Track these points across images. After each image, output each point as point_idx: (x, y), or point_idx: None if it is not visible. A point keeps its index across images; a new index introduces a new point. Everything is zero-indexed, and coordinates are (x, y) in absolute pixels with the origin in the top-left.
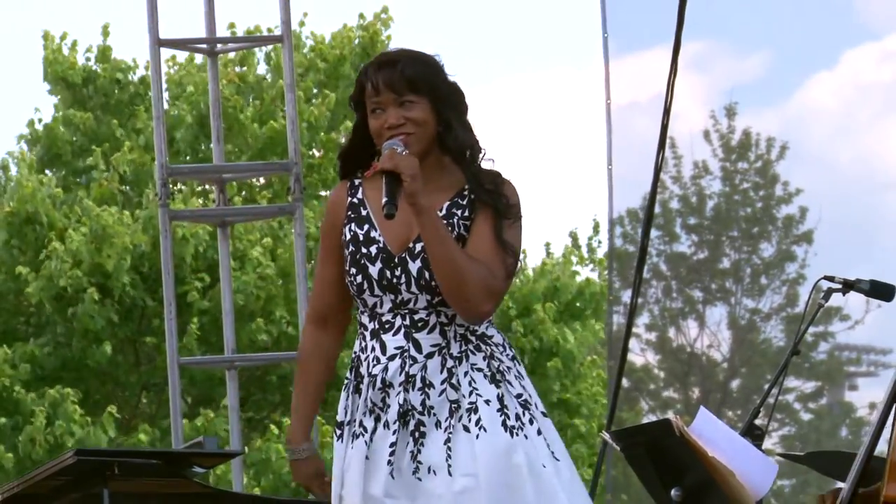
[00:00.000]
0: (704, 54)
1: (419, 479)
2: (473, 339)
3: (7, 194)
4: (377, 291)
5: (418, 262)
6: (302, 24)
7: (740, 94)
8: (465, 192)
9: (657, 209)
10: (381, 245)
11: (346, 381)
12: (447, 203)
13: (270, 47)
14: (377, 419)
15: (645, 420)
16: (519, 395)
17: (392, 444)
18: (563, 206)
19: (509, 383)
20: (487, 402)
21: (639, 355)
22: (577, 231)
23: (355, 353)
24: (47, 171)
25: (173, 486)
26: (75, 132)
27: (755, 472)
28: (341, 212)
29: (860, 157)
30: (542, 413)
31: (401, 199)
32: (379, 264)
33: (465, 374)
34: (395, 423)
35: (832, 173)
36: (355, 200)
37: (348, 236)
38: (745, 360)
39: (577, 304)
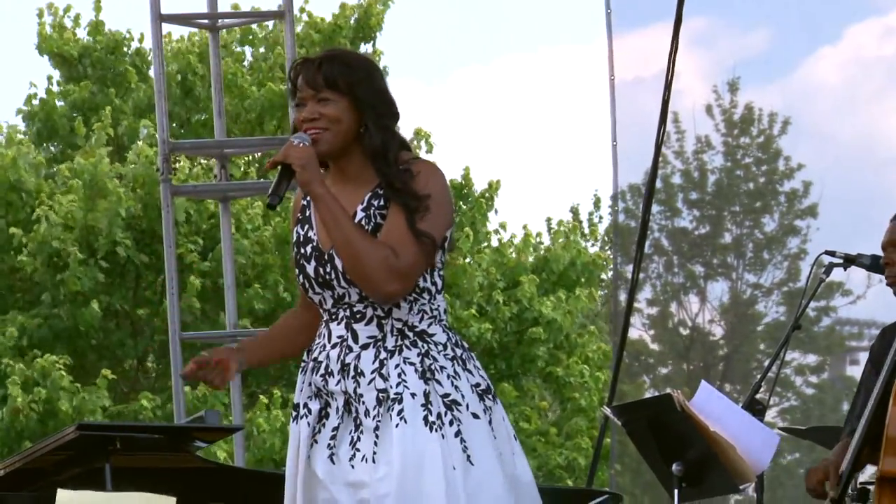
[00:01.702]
0: (707, 30)
1: (353, 467)
2: (411, 334)
3: None
4: (317, 289)
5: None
6: (303, 9)
7: (743, 69)
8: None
9: (659, 184)
10: (314, 244)
11: (302, 364)
12: (368, 195)
13: (269, 26)
14: (327, 404)
15: (646, 395)
16: (446, 395)
17: (334, 429)
18: (566, 181)
19: (439, 382)
20: (413, 395)
21: (640, 330)
22: (578, 206)
23: (316, 337)
24: (47, 146)
25: (176, 460)
26: (72, 106)
27: (756, 444)
28: (295, 215)
29: (862, 132)
30: (473, 414)
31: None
32: (313, 262)
33: (396, 366)
34: (340, 409)
35: (834, 148)
36: (304, 202)
37: (293, 238)
38: (746, 334)
39: (570, 275)
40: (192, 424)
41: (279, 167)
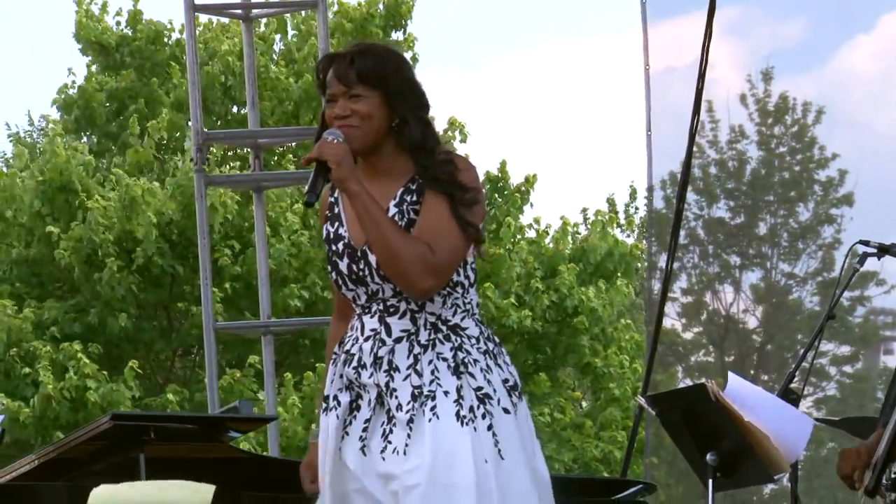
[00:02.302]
0: (742, 19)
1: (384, 459)
2: (444, 328)
3: (40, 161)
4: (350, 286)
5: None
6: None
7: (777, 58)
8: (415, 178)
9: (697, 173)
10: (346, 241)
11: (333, 356)
12: (400, 190)
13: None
14: (358, 396)
15: (680, 384)
16: (479, 389)
17: (366, 422)
18: (602, 172)
19: (472, 375)
20: (446, 393)
21: (675, 319)
22: (614, 196)
23: (348, 330)
24: (83, 136)
25: (209, 450)
26: (109, 96)
27: (790, 432)
28: (324, 212)
29: None
30: (504, 409)
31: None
32: (346, 259)
33: (430, 362)
34: (372, 402)
35: (869, 138)
36: (332, 199)
37: (324, 235)
38: (780, 324)
39: (607, 265)
40: (226, 415)
41: (314, 164)
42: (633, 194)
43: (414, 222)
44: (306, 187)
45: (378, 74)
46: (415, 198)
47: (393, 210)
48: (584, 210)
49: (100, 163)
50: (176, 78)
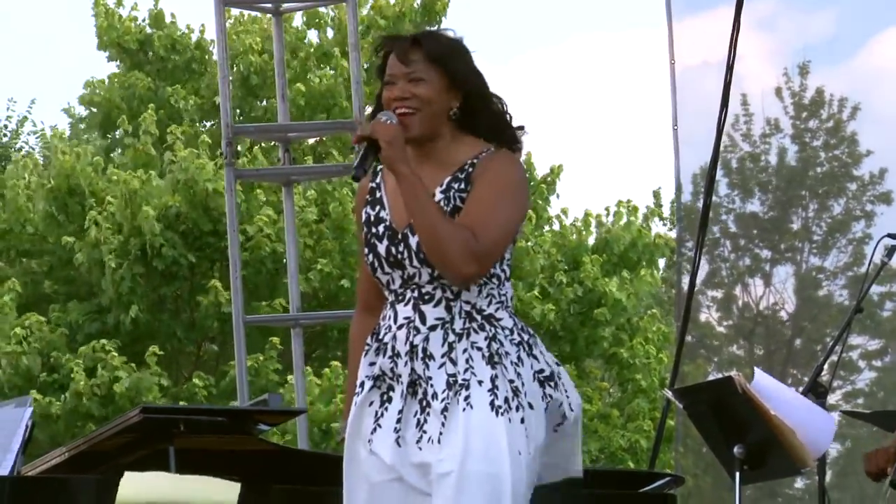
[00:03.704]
0: (772, 13)
1: (420, 448)
2: (479, 318)
3: (49, 169)
4: (387, 269)
5: (418, 237)
6: None
7: (813, 52)
8: (466, 167)
9: (734, 165)
10: (387, 223)
11: (366, 347)
12: (448, 178)
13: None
14: (390, 388)
15: (709, 377)
16: (511, 381)
17: (399, 412)
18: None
19: (505, 367)
20: (480, 382)
21: (704, 312)
22: (660, 190)
23: (380, 320)
24: (107, 135)
25: (239, 442)
26: (131, 97)
27: (815, 428)
28: (363, 197)
29: None
30: (529, 404)
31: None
32: (385, 242)
33: (464, 350)
34: (405, 391)
35: None
36: (374, 184)
37: (363, 219)
38: (809, 318)
39: (631, 256)
40: (255, 407)
41: (364, 143)
42: (679, 189)
43: (459, 209)
44: (355, 162)
45: (441, 59)
46: (462, 186)
47: (439, 196)
48: (629, 202)
49: (111, 161)
50: (194, 82)
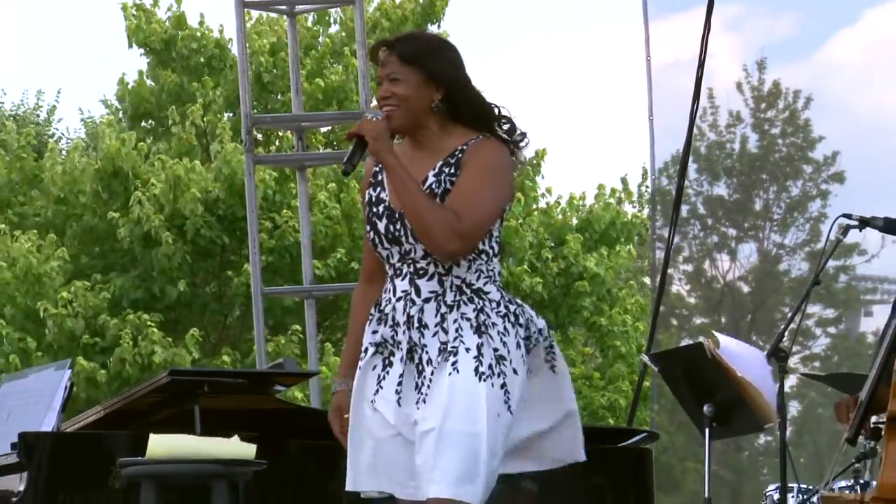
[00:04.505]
0: (739, 15)
1: (417, 409)
2: (468, 291)
3: (96, 153)
4: (386, 245)
5: None
6: None
7: (770, 50)
8: (456, 153)
9: (703, 152)
10: (386, 203)
11: (370, 316)
12: (440, 163)
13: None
14: (391, 354)
15: (681, 344)
16: (496, 350)
17: (400, 376)
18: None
19: (491, 337)
20: (467, 349)
21: (678, 285)
22: (627, 177)
23: (382, 293)
24: (140, 124)
25: (257, 402)
26: (160, 91)
27: (762, 374)
28: (367, 179)
29: (879, 107)
30: (513, 370)
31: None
32: (385, 220)
33: (455, 321)
34: (404, 357)
35: (853, 122)
36: (377, 168)
37: (366, 199)
38: (771, 290)
39: (611, 234)
40: (272, 370)
41: (355, 139)
42: (644, 174)
43: (449, 192)
44: (345, 159)
45: (415, 58)
46: (452, 170)
47: (431, 179)
48: (601, 187)
49: (152, 148)
50: (214, 79)
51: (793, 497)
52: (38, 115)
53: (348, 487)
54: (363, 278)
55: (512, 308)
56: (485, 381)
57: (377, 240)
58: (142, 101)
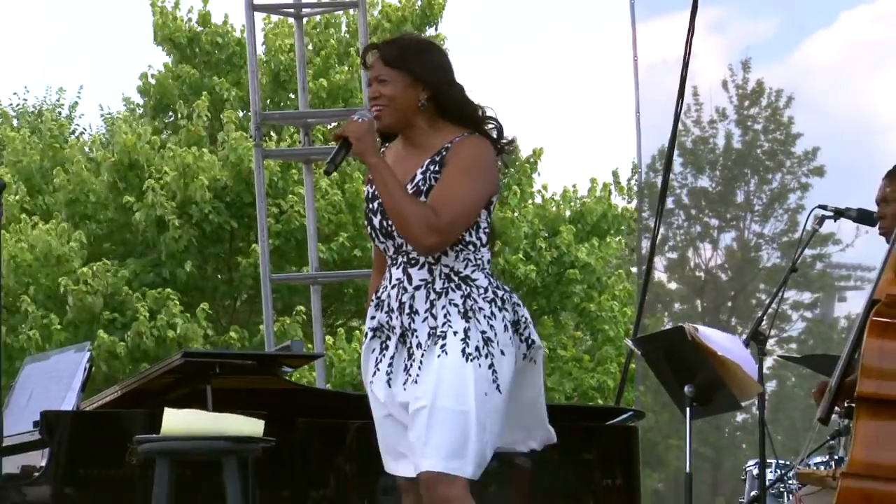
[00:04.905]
0: (722, 17)
1: (405, 389)
2: (456, 278)
3: (112, 146)
4: (381, 238)
5: None
6: None
7: (754, 51)
8: (441, 151)
9: (688, 146)
10: (380, 200)
11: (371, 302)
12: (427, 160)
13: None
14: (387, 338)
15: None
16: (483, 332)
17: (391, 358)
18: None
19: (478, 321)
20: (455, 333)
21: (662, 273)
22: (618, 170)
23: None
24: (161, 117)
25: (266, 382)
26: (182, 84)
27: (749, 362)
28: (368, 176)
29: (855, 105)
30: (501, 351)
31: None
32: (379, 216)
33: (443, 307)
34: (396, 342)
35: (831, 119)
36: None
37: (365, 194)
38: (750, 276)
39: (602, 226)
40: (280, 353)
41: (341, 140)
42: (634, 168)
43: (432, 188)
44: (328, 159)
45: (399, 61)
46: (437, 168)
47: (419, 177)
48: (593, 181)
49: (166, 141)
50: (234, 74)
51: (770, 472)
52: (59, 113)
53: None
54: (374, 268)
55: (499, 294)
56: (471, 361)
57: (373, 234)
58: (165, 94)
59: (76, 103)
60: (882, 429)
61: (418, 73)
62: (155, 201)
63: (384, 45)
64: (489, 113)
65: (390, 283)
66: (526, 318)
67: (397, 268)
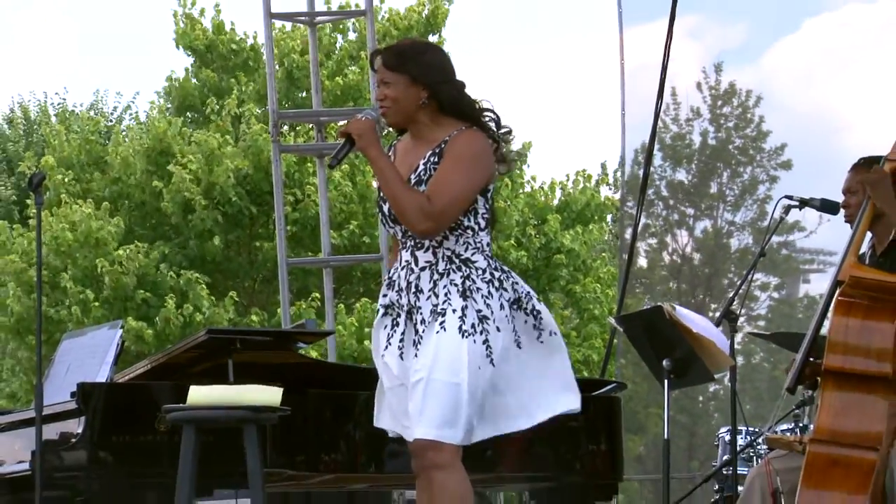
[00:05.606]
0: (698, 25)
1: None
2: (457, 260)
3: (144, 135)
4: (391, 224)
5: None
6: (379, 8)
7: (725, 55)
8: (441, 143)
9: (667, 142)
10: None
11: (384, 281)
12: (428, 153)
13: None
14: (397, 315)
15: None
16: (479, 311)
17: (402, 334)
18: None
19: (475, 300)
20: (454, 310)
21: (643, 257)
22: (606, 163)
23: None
24: (187, 114)
25: (282, 357)
26: (203, 87)
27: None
28: None
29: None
30: (497, 328)
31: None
32: (388, 204)
33: (444, 286)
34: (405, 317)
35: (797, 118)
36: (389, 155)
37: (376, 184)
38: (722, 260)
39: (586, 214)
40: (295, 330)
41: (345, 136)
42: (621, 161)
43: (431, 178)
44: (333, 154)
45: (399, 65)
46: (436, 159)
47: (421, 167)
48: (584, 171)
49: (192, 133)
50: (249, 76)
51: (741, 438)
52: (102, 109)
53: (375, 424)
54: (393, 251)
55: (497, 275)
56: (467, 337)
57: (384, 220)
58: (187, 95)
59: (128, 106)
60: (846, 399)
61: (417, 74)
62: (181, 185)
63: (386, 51)
64: (486, 106)
65: (400, 264)
66: (528, 293)
67: (406, 251)
